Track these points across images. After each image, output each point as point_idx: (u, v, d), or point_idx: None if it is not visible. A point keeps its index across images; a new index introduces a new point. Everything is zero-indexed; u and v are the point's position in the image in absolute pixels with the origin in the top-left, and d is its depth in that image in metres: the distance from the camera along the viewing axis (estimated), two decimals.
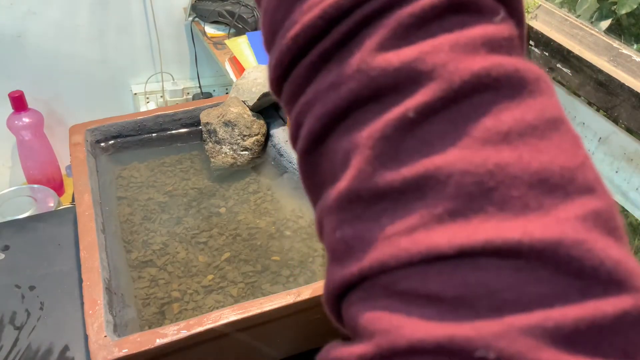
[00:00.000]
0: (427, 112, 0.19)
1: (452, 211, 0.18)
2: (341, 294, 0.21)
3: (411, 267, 0.18)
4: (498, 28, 0.20)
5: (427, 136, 0.19)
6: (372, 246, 0.19)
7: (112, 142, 0.94)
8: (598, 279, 0.16)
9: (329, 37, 0.21)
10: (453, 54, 0.19)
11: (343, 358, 0.19)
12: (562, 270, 0.17)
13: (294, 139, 0.23)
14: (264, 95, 0.94)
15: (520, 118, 0.18)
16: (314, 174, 0.23)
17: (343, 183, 0.20)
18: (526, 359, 0.16)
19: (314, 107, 0.21)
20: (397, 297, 0.18)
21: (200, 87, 1.74)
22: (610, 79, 0.80)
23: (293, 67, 0.22)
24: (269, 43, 0.23)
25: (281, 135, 0.96)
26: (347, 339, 0.20)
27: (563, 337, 0.16)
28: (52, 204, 1.31)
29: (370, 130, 0.19)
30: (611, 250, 0.17)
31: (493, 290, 0.17)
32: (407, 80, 0.19)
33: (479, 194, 0.18)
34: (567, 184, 0.18)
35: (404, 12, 0.19)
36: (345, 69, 0.20)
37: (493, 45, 0.19)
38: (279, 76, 0.23)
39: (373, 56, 0.20)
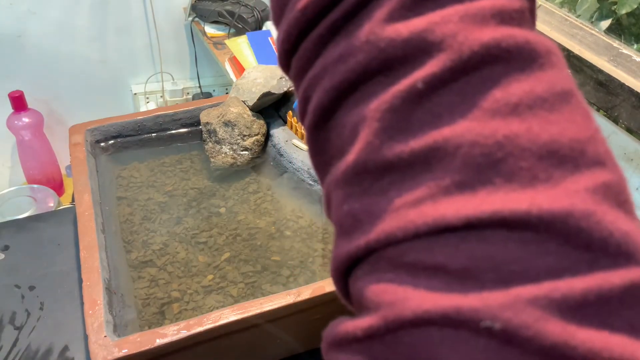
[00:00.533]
0: (436, 84, 0.18)
1: (460, 183, 0.18)
2: (348, 268, 0.20)
3: (417, 239, 0.18)
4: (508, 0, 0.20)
5: (436, 108, 0.19)
6: (379, 219, 0.19)
7: (112, 142, 0.94)
8: (607, 251, 0.16)
9: (338, 8, 0.20)
10: (463, 24, 0.19)
11: (349, 332, 0.18)
12: (570, 242, 0.16)
13: (302, 114, 0.23)
14: (264, 95, 0.94)
15: (530, 90, 0.18)
16: (323, 150, 0.22)
17: (351, 156, 0.20)
18: (532, 330, 0.15)
19: (322, 81, 0.21)
20: (403, 269, 0.18)
21: (200, 87, 1.74)
22: (610, 79, 0.80)
23: (301, 41, 0.22)
24: (278, 17, 0.23)
25: (281, 135, 0.96)
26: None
27: (570, 308, 0.16)
28: (52, 204, 1.31)
29: (378, 103, 0.19)
30: (620, 223, 0.17)
31: (500, 262, 0.17)
32: (416, 51, 0.19)
33: (487, 166, 0.17)
34: (577, 156, 0.18)
35: None
36: (353, 41, 0.20)
37: (503, 17, 0.19)
38: (287, 50, 0.23)
39: (382, 27, 0.19)
